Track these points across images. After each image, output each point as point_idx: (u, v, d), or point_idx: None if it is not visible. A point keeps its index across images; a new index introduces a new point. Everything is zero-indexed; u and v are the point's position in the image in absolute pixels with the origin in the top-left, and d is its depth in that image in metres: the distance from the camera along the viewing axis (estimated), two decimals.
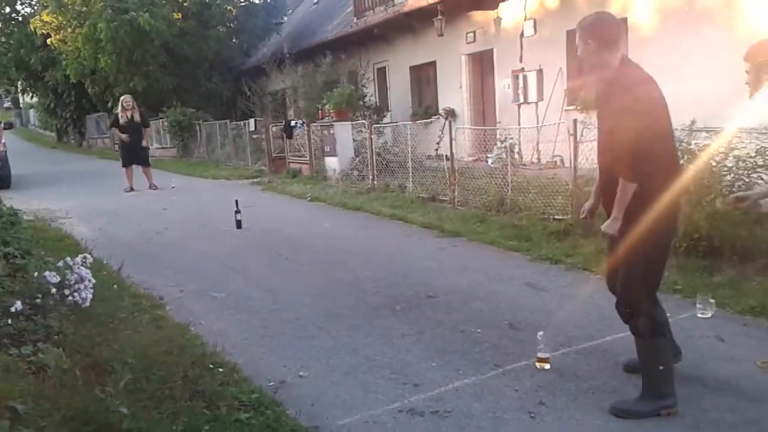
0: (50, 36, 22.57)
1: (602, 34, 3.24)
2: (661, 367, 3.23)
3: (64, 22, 21.88)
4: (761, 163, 5.44)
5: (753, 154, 5.46)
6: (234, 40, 24.31)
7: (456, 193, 9.10)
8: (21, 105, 52.73)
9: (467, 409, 3.37)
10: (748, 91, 4.09)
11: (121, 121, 13.29)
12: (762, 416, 3.16)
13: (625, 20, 10.49)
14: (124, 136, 13.29)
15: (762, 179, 5.45)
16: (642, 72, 3.23)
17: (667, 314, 4.46)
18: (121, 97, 14.00)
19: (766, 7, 8.66)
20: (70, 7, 21.37)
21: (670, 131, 3.30)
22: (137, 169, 13.49)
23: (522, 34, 12.90)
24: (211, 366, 3.80)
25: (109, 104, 23.73)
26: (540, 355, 3.80)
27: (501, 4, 13.36)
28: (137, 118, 13.43)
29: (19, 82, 31.97)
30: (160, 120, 21.99)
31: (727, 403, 3.30)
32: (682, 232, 5.49)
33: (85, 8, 21.15)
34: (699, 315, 4.50)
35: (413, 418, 3.31)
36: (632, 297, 3.26)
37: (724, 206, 5.10)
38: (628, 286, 3.27)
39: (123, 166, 13.54)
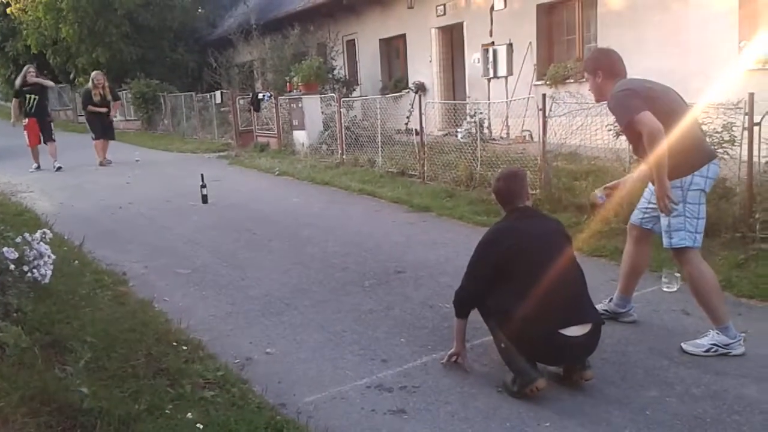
0: (10, 5, 21.90)
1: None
2: (502, 345, 3.25)
3: None
4: (727, 138, 5.49)
5: (719, 129, 5.50)
6: (200, 10, 23.83)
7: (425, 168, 9.07)
8: None
9: (435, 385, 3.37)
10: None
11: (95, 98, 13.04)
12: (727, 389, 3.19)
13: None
14: (103, 110, 13.08)
15: (728, 154, 5.51)
16: None
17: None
18: (93, 74, 13.69)
19: None
20: None
21: None
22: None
23: (492, 8, 12.82)
24: (175, 343, 3.72)
25: (71, 75, 23.17)
26: None
27: None
28: (108, 95, 13.23)
29: None
30: (124, 92, 21.53)
31: (692, 376, 3.33)
32: None
33: None
34: (665, 289, 4.56)
35: (381, 394, 3.29)
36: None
37: None
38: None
39: (95, 139, 13.25)
